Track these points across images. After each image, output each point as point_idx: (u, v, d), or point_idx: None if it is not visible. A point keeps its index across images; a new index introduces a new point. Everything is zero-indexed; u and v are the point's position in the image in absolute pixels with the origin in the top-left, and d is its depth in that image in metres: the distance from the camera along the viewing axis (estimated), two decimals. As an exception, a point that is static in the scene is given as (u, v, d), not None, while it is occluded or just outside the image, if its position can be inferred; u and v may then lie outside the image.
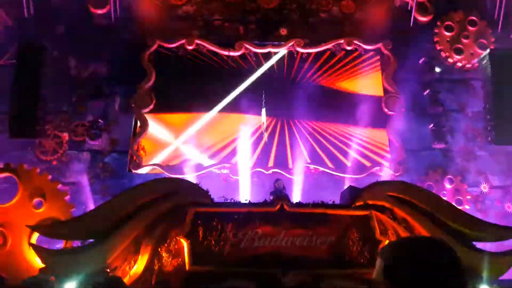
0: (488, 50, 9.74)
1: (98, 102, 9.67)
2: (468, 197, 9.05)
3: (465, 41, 10.15)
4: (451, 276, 1.14)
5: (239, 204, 6.53)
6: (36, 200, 6.82)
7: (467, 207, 8.75)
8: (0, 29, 9.81)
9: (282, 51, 10.33)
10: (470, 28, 10.24)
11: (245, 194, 8.03)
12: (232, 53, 10.24)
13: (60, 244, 6.48)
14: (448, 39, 10.25)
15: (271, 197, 6.70)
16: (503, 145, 9.41)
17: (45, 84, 9.36)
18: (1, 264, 6.26)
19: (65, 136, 9.31)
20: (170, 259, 5.86)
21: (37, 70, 9.16)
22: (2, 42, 9.67)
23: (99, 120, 9.47)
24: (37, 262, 6.05)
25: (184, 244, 5.89)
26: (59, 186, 7.09)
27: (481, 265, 5.82)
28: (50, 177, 7.11)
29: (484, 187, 9.27)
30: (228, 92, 9.92)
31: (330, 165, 9.39)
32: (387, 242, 6.06)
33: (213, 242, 5.91)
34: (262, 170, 9.19)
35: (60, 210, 6.79)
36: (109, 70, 9.94)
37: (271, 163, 9.38)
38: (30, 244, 6.26)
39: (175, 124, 9.75)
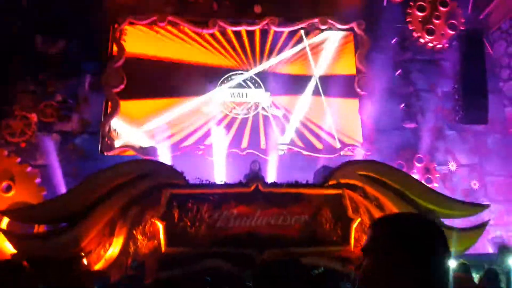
0: None
1: (68, 81, 9.33)
2: (437, 175, 9.34)
3: (436, 21, 10.27)
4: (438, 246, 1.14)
5: (214, 185, 6.56)
6: (4, 184, 6.66)
7: (436, 185, 9.04)
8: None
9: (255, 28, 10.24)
10: (442, 8, 10.35)
11: (220, 175, 8.04)
12: (205, 31, 10.05)
13: (31, 229, 6.37)
14: (420, 19, 10.35)
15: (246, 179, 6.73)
16: (470, 124, 9.73)
17: (11, 62, 8.97)
18: (-30, 250, 6.13)
19: (34, 117, 8.97)
20: (145, 242, 5.86)
21: (2, 47, 8.75)
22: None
23: (69, 100, 9.19)
24: (9, 248, 5.94)
25: (160, 226, 5.89)
26: (29, 169, 6.94)
27: (450, 241, 6.07)
28: (18, 159, 6.94)
29: (452, 166, 9.60)
30: (202, 73, 9.78)
31: (303, 145, 9.50)
32: (359, 220, 6.25)
33: (189, 224, 5.94)
34: (237, 151, 9.20)
35: (30, 193, 6.67)
36: (79, 47, 9.57)
37: (244, 144, 9.40)
38: (0, 230, 6.13)
39: (149, 104, 9.56)
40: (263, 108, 9.78)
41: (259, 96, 9.87)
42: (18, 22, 9.22)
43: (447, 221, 6.52)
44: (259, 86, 9.92)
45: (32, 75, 9.29)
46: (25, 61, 9.25)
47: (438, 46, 10.28)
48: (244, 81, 9.96)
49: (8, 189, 6.64)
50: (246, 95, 9.88)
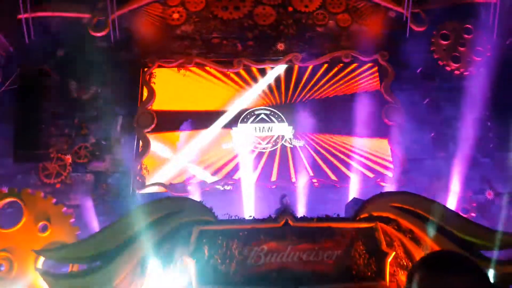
0: None
1: (100, 124, 9.71)
2: (474, 205, 9.01)
3: (461, 49, 10.23)
4: None
5: (243, 220, 6.51)
6: (41, 224, 6.83)
7: (473, 215, 8.70)
8: (1, 55, 9.94)
9: (280, 66, 10.44)
10: (466, 36, 10.34)
11: (249, 209, 8.02)
12: (230, 70, 10.33)
13: (66, 268, 6.46)
14: (444, 47, 10.35)
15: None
16: (506, 151, 9.39)
17: (47, 107, 9.46)
18: (7, 291, 6.26)
19: (68, 158, 9.34)
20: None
21: (39, 94, 9.26)
22: (4, 68, 9.80)
23: (102, 142, 9.52)
24: (43, 287, 6.03)
25: (190, 263, 5.86)
26: (64, 209, 7.10)
27: (492, 275, 5.77)
28: (54, 200, 7.12)
29: (489, 194, 9.24)
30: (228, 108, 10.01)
31: (333, 177, 9.40)
32: (393, 254, 6.04)
33: (219, 261, 5.88)
34: (266, 185, 9.18)
35: (65, 233, 6.79)
36: (110, 91, 10.01)
37: (274, 178, 9.39)
38: (36, 269, 6.25)
39: (177, 142, 9.77)
40: (286, 141, 9.82)
41: (283, 130, 9.93)
42: (54, 70, 9.75)
43: (487, 254, 6.20)
44: (283, 121, 10.00)
45: (67, 119, 9.73)
46: (60, 106, 9.70)
47: (465, 73, 10.18)
48: (267, 116, 10.07)
49: (44, 229, 6.81)
50: (270, 129, 9.95)
